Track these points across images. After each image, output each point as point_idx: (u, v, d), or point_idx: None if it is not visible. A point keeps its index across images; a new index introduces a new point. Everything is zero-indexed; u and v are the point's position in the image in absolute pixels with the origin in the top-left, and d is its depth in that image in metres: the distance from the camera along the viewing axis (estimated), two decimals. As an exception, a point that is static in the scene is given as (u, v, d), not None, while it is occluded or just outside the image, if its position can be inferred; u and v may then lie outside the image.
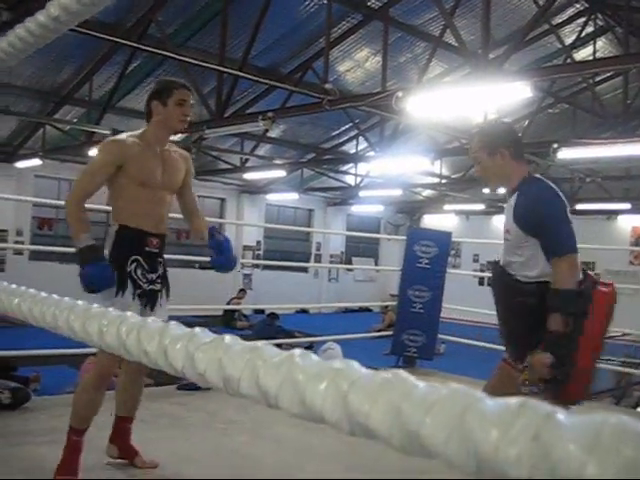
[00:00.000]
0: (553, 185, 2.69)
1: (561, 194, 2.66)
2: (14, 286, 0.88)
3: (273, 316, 12.53)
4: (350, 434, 0.41)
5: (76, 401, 3.03)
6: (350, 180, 17.32)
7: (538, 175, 2.78)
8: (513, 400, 0.34)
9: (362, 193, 17.54)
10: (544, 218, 2.60)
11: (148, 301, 3.01)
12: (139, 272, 2.95)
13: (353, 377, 0.40)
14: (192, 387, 4.99)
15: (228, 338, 0.51)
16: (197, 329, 0.55)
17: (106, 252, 2.98)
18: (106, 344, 0.63)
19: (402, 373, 0.40)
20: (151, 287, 3.00)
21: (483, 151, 2.75)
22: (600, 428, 0.30)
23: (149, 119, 3.08)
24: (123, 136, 3.08)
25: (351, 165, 16.57)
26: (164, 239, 3.11)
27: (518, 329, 2.67)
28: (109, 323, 0.63)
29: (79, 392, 3.06)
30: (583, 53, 12.01)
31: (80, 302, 0.73)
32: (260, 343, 0.49)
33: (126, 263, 2.93)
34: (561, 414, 0.32)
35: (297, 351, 0.46)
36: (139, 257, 2.96)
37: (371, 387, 0.39)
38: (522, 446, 0.31)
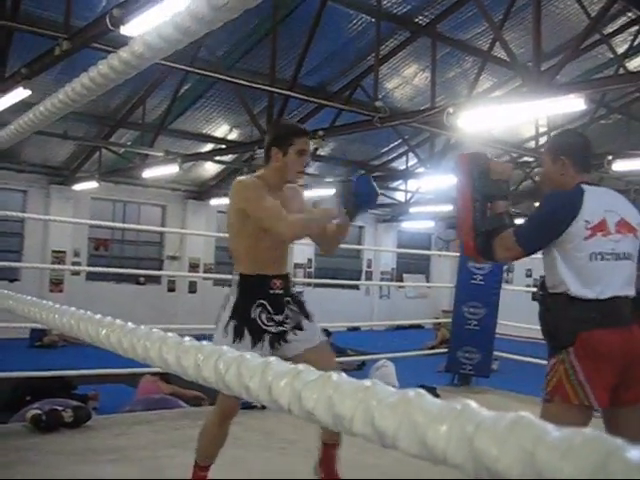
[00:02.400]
0: (571, 194, 2.64)
1: (572, 202, 2.60)
2: (99, 316, 0.90)
3: (325, 333, 12.46)
4: (475, 477, 0.40)
5: (200, 438, 3.03)
6: (400, 197, 17.24)
7: (583, 184, 2.68)
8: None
9: (412, 209, 17.44)
10: None
11: (280, 339, 2.97)
12: (264, 316, 2.91)
13: (477, 419, 0.40)
14: (247, 405, 5.00)
15: (335, 376, 0.51)
16: (300, 366, 0.55)
17: (231, 300, 2.96)
18: (203, 378, 0.64)
19: (528, 416, 0.40)
20: (280, 329, 2.95)
21: (548, 156, 2.80)
22: None
23: (267, 162, 3.00)
24: (247, 178, 3.05)
25: (401, 182, 16.51)
26: (288, 277, 3.09)
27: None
28: (205, 357, 0.64)
29: (203, 430, 3.04)
30: (636, 62, 11.77)
31: (170, 334, 0.74)
32: (369, 381, 0.49)
33: (250, 309, 2.90)
34: None
35: (411, 391, 0.46)
36: (264, 301, 2.92)
37: (498, 429, 0.38)
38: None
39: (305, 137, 3.00)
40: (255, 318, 2.88)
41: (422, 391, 0.46)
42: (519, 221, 2.80)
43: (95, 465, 3.62)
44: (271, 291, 2.94)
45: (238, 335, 2.85)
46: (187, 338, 0.74)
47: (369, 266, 21.14)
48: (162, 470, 3.57)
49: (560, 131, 3.06)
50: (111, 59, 0.98)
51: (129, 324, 0.82)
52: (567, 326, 2.54)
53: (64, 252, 15.05)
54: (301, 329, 3.00)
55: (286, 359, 0.55)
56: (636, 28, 10.95)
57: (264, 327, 2.89)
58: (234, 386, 0.60)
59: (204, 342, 0.73)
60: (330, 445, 3.08)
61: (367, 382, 0.50)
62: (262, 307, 2.90)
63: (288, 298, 3.02)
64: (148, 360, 0.74)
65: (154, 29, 0.85)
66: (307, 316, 3.08)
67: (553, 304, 2.61)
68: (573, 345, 2.51)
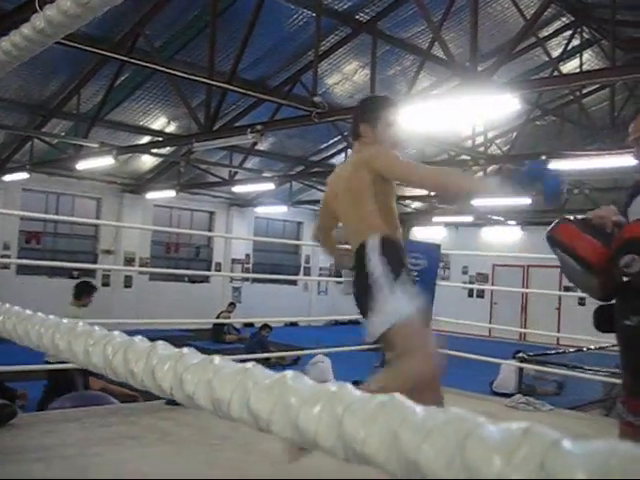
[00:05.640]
0: None
1: None
2: (-2, 303, 0.86)
3: (264, 328, 12.43)
4: (345, 460, 0.39)
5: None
6: (339, 193, 17.30)
7: None
8: (516, 426, 0.33)
9: (351, 206, 17.51)
10: None
11: None
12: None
13: (348, 400, 0.39)
14: (181, 402, 4.94)
15: (217, 359, 0.49)
16: (185, 349, 0.53)
17: (374, 262, 2.77)
18: (92, 364, 0.61)
19: (398, 397, 0.39)
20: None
21: None
22: (608, 457, 0.29)
23: (356, 139, 3.04)
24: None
25: (340, 178, 16.57)
26: None
27: None
28: (95, 342, 0.61)
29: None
30: (570, 66, 12.11)
31: (65, 320, 0.71)
32: (250, 364, 0.48)
33: (402, 269, 2.82)
34: (567, 441, 0.31)
35: (289, 373, 0.44)
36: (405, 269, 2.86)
37: (367, 411, 0.37)
38: (527, 475, 0.30)
39: (394, 108, 2.98)
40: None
41: (299, 373, 0.45)
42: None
43: (22, 464, 3.51)
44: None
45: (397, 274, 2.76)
46: (116, 333, 0.70)
47: (307, 262, 21.19)
48: (91, 468, 3.49)
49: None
50: (13, 36, 0.94)
51: (26, 311, 0.78)
52: None
53: (-7, 245, 14.59)
54: None
55: None
56: (570, 32, 11.26)
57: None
58: (121, 371, 0.58)
59: (115, 333, 0.69)
60: None
61: (247, 365, 0.48)
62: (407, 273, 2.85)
63: None
64: (42, 347, 0.71)
65: (54, 4, 0.82)
66: None
67: None
68: None
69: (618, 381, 7.38)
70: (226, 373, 0.47)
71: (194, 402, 0.50)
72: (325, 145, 15.47)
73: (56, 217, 14.91)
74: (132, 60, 8.02)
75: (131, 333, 0.77)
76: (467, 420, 0.34)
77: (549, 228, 2.41)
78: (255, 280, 18.52)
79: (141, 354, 0.56)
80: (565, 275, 2.45)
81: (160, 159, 14.80)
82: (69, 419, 4.54)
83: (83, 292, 7.28)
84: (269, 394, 0.43)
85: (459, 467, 0.32)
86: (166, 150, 13.85)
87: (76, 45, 7.01)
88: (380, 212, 2.85)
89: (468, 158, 12.88)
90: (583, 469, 0.29)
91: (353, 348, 9.66)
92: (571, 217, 2.44)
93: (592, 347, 8.46)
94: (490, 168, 13.71)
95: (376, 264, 2.76)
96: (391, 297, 2.72)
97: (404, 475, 0.35)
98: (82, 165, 12.07)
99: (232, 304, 16.67)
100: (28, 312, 0.78)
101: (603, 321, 2.36)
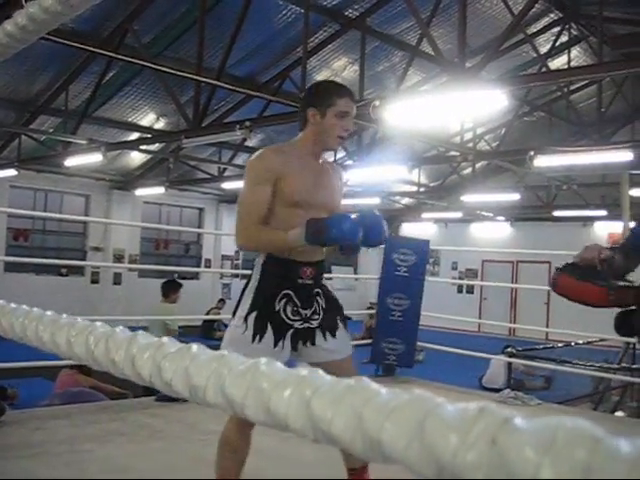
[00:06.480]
0: None
1: None
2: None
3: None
4: (314, 441, 0.41)
5: (219, 450, 2.53)
6: (328, 189, 17.32)
7: None
8: (472, 405, 0.34)
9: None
10: None
11: (306, 339, 2.53)
12: (289, 310, 2.47)
13: (316, 384, 0.40)
14: (171, 398, 4.95)
15: (195, 347, 0.51)
16: (165, 338, 0.55)
17: (252, 286, 2.52)
18: (75, 355, 0.63)
19: (365, 380, 0.40)
20: (306, 325, 2.51)
21: None
22: (555, 431, 0.30)
23: (303, 126, 2.59)
24: (275, 147, 2.65)
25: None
26: (321, 267, 2.61)
27: None
28: (77, 333, 0.62)
29: (221, 440, 2.54)
30: (558, 62, 12.17)
31: (49, 312, 0.72)
32: (226, 351, 0.49)
33: (274, 301, 2.46)
34: (518, 418, 0.33)
35: (262, 359, 0.46)
36: (290, 291, 2.48)
37: (334, 394, 0.39)
38: (480, 451, 0.32)
39: (348, 98, 2.54)
40: (279, 311, 2.46)
41: (272, 360, 0.46)
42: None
43: (12, 461, 3.50)
44: (300, 280, 2.50)
45: (259, 330, 2.43)
46: (99, 324, 0.71)
47: (298, 258, 21.18)
48: (81, 464, 3.49)
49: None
50: (-5, 32, 0.95)
51: (11, 304, 0.79)
52: None
53: (-20, 242, 14.53)
54: (334, 336, 2.59)
55: (311, 364, 0.47)
56: (558, 29, 11.32)
57: (288, 322, 2.47)
58: (102, 360, 0.59)
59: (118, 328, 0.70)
60: (357, 470, 2.71)
61: (223, 352, 0.50)
62: (287, 298, 2.48)
63: (318, 290, 2.59)
64: (25, 340, 0.72)
65: (36, 1, 0.82)
66: (343, 320, 2.68)
67: None
68: None
69: (606, 376, 7.42)
70: (202, 360, 0.48)
71: (172, 389, 0.51)
72: (314, 141, 15.45)
73: (44, 214, 14.84)
74: (120, 56, 8.01)
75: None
76: (428, 400, 0.35)
77: (551, 284, 2.55)
78: (244, 276, 18.51)
79: (122, 343, 0.57)
80: None
81: (149, 155, 14.77)
82: (59, 416, 4.54)
83: (170, 290, 7.51)
84: (243, 379, 0.44)
85: (419, 445, 0.34)
86: (155, 146, 13.82)
87: (64, 41, 7.00)
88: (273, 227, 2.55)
89: (457, 154, 12.93)
90: (531, 442, 0.31)
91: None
92: (561, 265, 2.55)
93: (580, 342, 8.53)
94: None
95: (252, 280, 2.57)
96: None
97: (368, 453, 0.36)
98: (70, 162, 12.02)
99: (222, 300, 16.67)
100: (12, 305, 0.79)
101: (624, 326, 2.52)
